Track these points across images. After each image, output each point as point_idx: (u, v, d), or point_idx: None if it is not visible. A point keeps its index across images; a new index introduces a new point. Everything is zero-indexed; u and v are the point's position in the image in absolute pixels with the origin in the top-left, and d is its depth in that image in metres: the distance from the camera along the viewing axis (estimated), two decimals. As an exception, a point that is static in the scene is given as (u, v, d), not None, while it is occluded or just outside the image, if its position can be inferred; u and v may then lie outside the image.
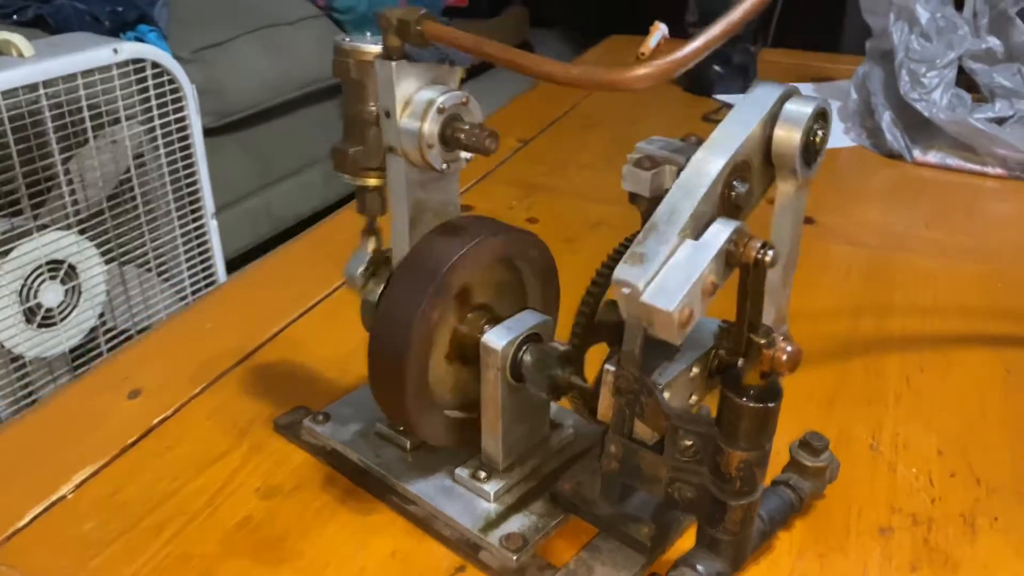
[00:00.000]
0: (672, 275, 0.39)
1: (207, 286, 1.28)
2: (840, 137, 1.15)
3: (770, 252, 0.39)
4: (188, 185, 1.22)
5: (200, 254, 1.27)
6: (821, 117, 0.43)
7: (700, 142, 0.44)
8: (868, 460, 0.58)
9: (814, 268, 0.83)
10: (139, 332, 1.17)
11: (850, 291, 0.81)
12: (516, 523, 0.51)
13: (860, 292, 0.81)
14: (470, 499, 0.53)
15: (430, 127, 0.48)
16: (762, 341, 0.41)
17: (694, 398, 0.49)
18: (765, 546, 0.51)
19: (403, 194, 0.51)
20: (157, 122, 1.15)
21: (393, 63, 0.47)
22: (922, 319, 0.76)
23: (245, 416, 0.62)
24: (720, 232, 0.40)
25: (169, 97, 1.16)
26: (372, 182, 0.53)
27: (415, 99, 0.48)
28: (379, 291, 0.54)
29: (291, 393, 0.65)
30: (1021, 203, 0.99)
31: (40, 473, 0.57)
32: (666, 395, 0.45)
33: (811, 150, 0.43)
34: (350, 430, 0.59)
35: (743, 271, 0.40)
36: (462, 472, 0.54)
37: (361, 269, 0.55)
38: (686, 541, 0.51)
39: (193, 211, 1.25)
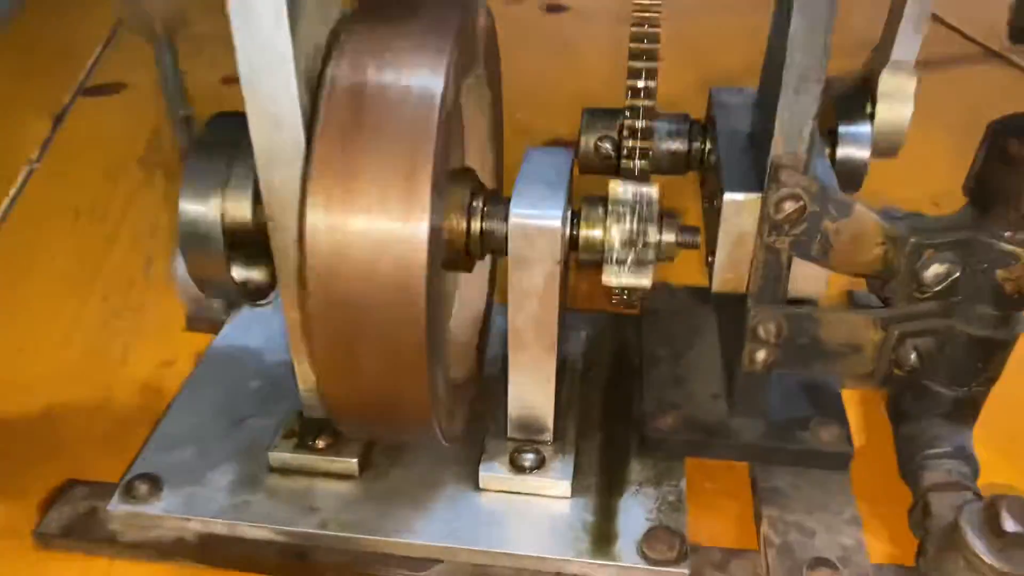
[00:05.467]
0: None
1: None
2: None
3: None
4: None
5: None
6: None
7: None
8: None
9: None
10: None
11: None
12: (636, 514, 0.29)
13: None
14: (531, 509, 0.29)
15: None
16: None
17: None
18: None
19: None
20: None
21: None
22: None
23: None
24: None
25: None
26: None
27: None
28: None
29: (15, 464, 0.32)
30: None
31: None
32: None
33: None
34: (218, 488, 0.30)
35: None
36: (493, 471, 0.30)
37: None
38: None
39: None
